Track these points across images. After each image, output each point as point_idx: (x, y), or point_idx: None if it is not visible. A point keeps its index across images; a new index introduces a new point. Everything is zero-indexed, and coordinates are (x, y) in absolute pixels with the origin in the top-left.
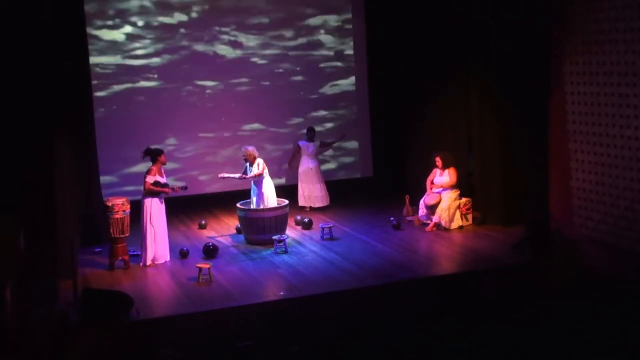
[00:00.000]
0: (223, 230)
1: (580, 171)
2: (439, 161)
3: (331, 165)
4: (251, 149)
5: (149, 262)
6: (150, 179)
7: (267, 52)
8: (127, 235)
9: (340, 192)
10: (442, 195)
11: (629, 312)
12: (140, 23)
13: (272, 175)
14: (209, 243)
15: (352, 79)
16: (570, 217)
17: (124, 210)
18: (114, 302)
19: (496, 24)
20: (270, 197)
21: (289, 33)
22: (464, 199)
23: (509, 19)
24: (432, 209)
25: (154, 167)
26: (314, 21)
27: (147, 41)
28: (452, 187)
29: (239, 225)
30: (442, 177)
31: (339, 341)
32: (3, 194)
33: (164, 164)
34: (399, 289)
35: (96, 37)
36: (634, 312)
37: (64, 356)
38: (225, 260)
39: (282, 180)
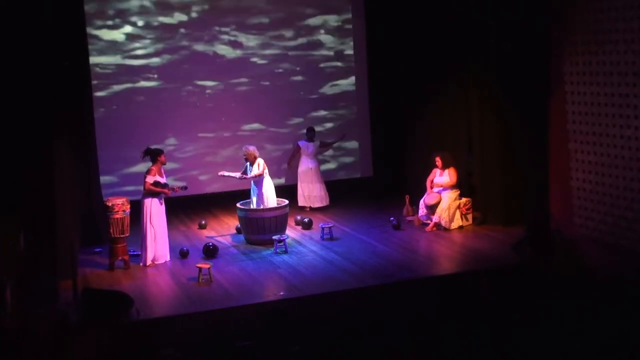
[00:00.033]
0: (223, 230)
1: (580, 171)
2: (439, 161)
3: (331, 165)
4: (252, 148)
5: (149, 262)
6: (150, 179)
7: (267, 52)
8: (127, 235)
9: (340, 192)
10: (442, 195)
11: (629, 312)
12: (140, 23)
13: (272, 175)
14: (209, 243)
15: (352, 79)
16: (570, 217)
17: (124, 210)
18: (114, 302)
19: (496, 24)
20: (270, 197)
21: (289, 33)
22: (464, 199)
23: (509, 19)
24: (432, 209)
25: (153, 167)
26: (314, 21)
27: (147, 41)
28: (452, 187)
29: (239, 225)
30: (442, 177)
31: (339, 341)
32: (3, 194)
33: (164, 164)
34: (399, 289)
35: (96, 37)
36: (634, 312)
37: (64, 356)
38: (225, 260)
39: (282, 180)
